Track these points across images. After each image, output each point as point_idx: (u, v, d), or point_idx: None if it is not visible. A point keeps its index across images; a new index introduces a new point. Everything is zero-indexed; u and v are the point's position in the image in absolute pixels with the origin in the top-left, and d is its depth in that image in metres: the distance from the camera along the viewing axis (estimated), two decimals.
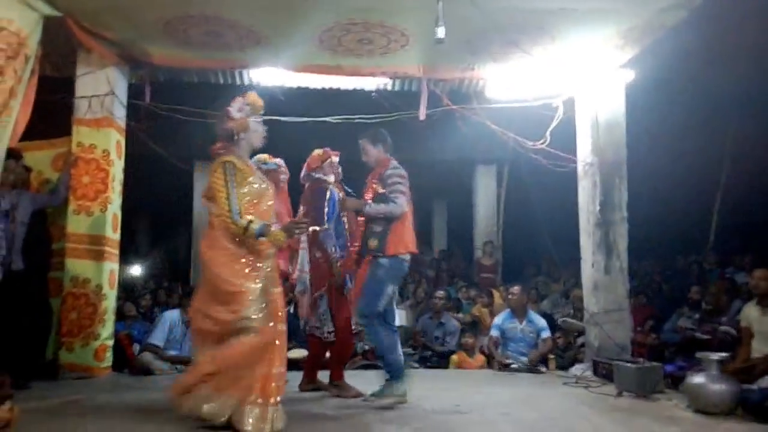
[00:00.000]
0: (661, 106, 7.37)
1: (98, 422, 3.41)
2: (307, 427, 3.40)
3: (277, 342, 3.23)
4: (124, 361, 5.51)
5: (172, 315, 5.72)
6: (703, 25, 5.04)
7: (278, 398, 3.17)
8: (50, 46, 4.57)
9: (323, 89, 6.18)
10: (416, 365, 6.22)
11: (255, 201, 3.31)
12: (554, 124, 5.81)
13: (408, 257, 4.03)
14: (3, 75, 3.63)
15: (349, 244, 4.31)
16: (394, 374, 3.93)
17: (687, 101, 7.43)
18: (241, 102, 3.41)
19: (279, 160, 4.63)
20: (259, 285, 3.21)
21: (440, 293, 6.90)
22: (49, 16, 4.33)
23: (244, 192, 3.26)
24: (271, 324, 3.21)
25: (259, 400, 3.09)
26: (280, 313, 3.30)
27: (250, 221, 3.17)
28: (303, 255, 4.39)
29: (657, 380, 4.42)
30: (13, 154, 4.56)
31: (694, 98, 7.33)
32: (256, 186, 3.33)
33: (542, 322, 6.04)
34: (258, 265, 3.25)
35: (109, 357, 5.15)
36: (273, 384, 3.16)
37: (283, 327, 3.30)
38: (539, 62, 5.40)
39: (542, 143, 5.77)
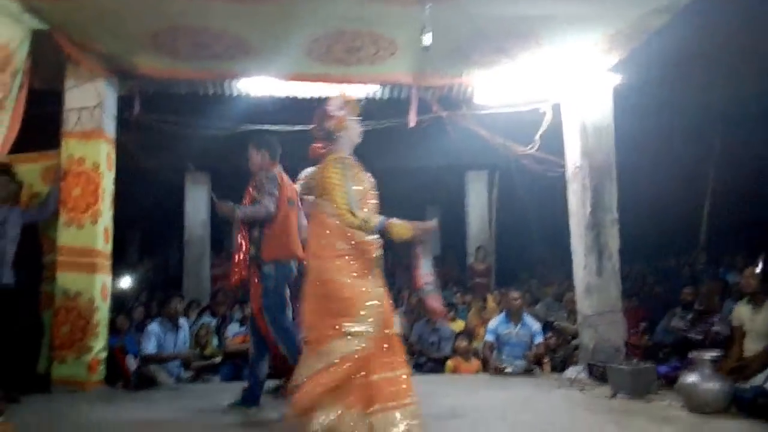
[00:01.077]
0: (650, 109, 7.44)
1: None
2: None
3: (389, 346, 3.04)
4: (118, 374, 5.46)
5: (154, 327, 5.74)
6: (691, 28, 5.10)
7: (401, 401, 2.93)
8: (39, 59, 4.55)
9: (312, 98, 6.20)
10: (411, 371, 6.21)
11: (363, 199, 3.15)
12: (543, 128, 5.86)
13: (292, 262, 3.96)
14: None
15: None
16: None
17: (676, 103, 7.51)
18: (339, 101, 3.30)
19: None
20: (375, 289, 3.06)
21: None
22: (36, 29, 4.33)
23: (359, 189, 3.11)
24: (387, 330, 3.03)
25: (379, 406, 2.88)
26: (391, 318, 3.11)
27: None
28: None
29: (651, 381, 4.45)
30: (3, 168, 4.55)
31: (683, 100, 7.41)
32: (365, 185, 3.20)
33: (536, 325, 6.06)
34: (371, 268, 3.10)
35: (102, 370, 5.11)
36: (392, 388, 2.94)
37: (395, 330, 3.13)
38: (527, 68, 5.44)
39: (531, 148, 5.81)
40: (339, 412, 2.82)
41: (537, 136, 5.84)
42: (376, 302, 3.00)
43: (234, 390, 4.96)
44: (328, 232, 3.06)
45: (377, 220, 3.04)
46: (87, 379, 4.93)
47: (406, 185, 10.68)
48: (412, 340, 6.72)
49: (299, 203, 4.19)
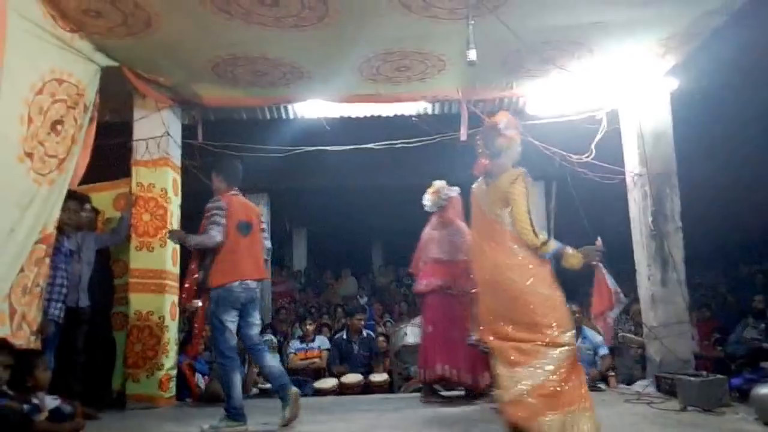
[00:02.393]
0: (714, 113, 7.19)
1: None
2: None
3: None
4: (187, 390, 5.69)
5: None
6: (750, 29, 4.93)
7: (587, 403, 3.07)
8: (108, 93, 4.86)
9: (365, 117, 6.33)
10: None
11: None
12: (599, 137, 5.76)
13: (237, 285, 4.00)
14: (64, 124, 3.89)
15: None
16: (232, 414, 3.96)
17: (742, 106, 7.22)
18: (508, 119, 3.50)
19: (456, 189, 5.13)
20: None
21: None
22: (106, 66, 4.64)
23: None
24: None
25: (578, 409, 3.02)
26: None
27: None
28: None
29: (722, 393, 4.25)
30: (80, 197, 4.87)
31: (748, 103, 7.11)
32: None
33: (598, 338, 5.89)
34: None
35: (172, 387, 5.34)
36: (584, 390, 3.10)
37: None
38: (579, 76, 5.37)
39: (588, 157, 5.71)
40: (555, 416, 2.95)
41: (592, 145, 5.73)
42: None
43: None
44: (515, 246, 3.20)
45: (554, 245, 3.19)
46: (159, 396, 5.16)
47: (461, 199, 10.65)
48: None
49: (260, 225, 4.25)
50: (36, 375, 3.14)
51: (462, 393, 5.15)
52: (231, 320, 4.02)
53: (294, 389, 4.06)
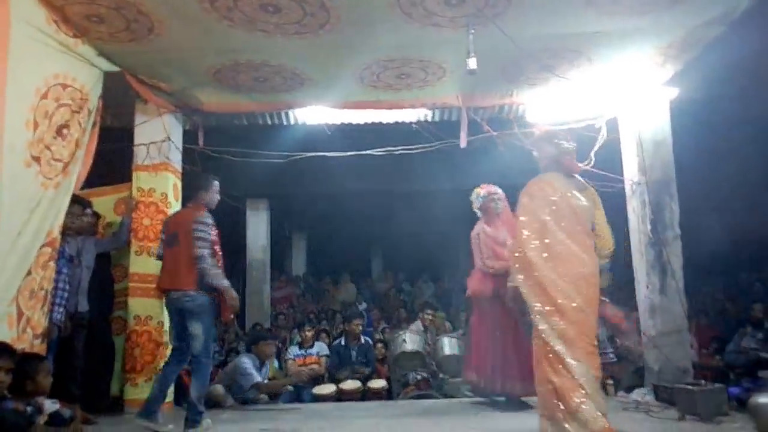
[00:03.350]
0: (714, 121, 7.21)
1: None
2: None
3: None
4: (185, 395, 5.67)
5: (248, 361, 5.84)
6: (749, 38, 4.94)
7: None
8: (110, 98, 4.88)
9: (366, 124, 6.35)
10: (469, 394, 6.16)
11: None
12: (598, 145, 5.78)
13: (168, 294, 4.28)
14: (69, 128, 3.91)
15: None
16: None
17: (742, 114, 7.24)
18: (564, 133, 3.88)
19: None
20: None
21: None
22: (108, 71, 4.66)
23: None
24: None
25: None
26: None
27: None
28: None
29: (721, 403, 4.26)
30: (82, 201, 4.88)
31: (747, 112, 7.14)
32: None
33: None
34: None
35: (170, 392, 5.32)
36: None
37: None
38: (579, 84, 5.40)
39: (587, 164, 5.73)
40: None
41: (592, 153, 5.75)
42: None
43: (295, 411, 5.09)
44: (589, 257, 3.53)
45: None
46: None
47: (458, 206, 10.66)
48: None
49: (187, 235, 4.19)
50: (38, 380, 3.14)
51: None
52: (170, 328, 4.37)
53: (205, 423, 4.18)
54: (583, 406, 3.21)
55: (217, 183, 4.51)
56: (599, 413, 3.22)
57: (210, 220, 4.26)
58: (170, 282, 4.23)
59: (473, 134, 6.00)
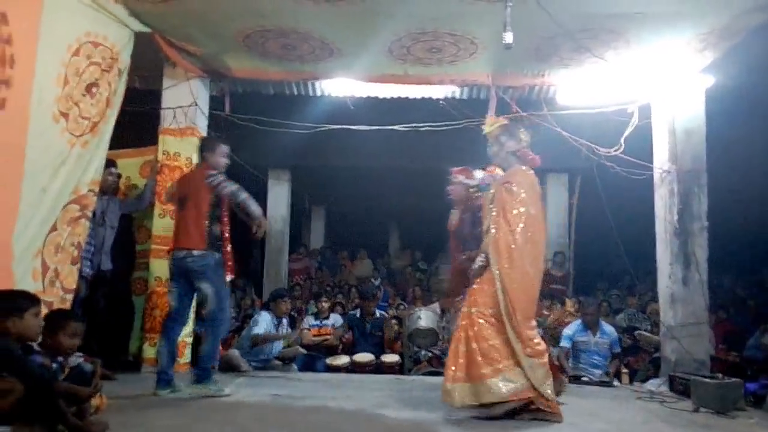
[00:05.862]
0: (747, 113, 7.03)
1: (172, 415, 3.62)
2: None
3: None
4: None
5: (266, 315, 6.08)
6: None
7: None
8: (139, 60, 4.88)
9: (392, 98, 6.29)
10: None
11: None
12: (629, 130, 5.66)
13: (169, 257, 4.29)
14: (99, 87, 3.93)
15: None
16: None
17: None
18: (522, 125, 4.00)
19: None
20: None
21: None
22: (139, 32, 4.66)
23: None
24: None
25: None
26: None
27: None
28: None
29: (737, 397, 4.20)
30: (107, 161, 4.92)
31: None
32: None
33: (615, 334, 5.88)
34: None
35: (187, 353, 5.41)
36: None
37: None
38: (613, 67, 5.27)
39: (616, 150, 5.63)
40: None
41: (622, 139, 5.64)
42: None
43: (308, 379, 5.14)
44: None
45: None
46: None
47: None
48: None
49: (196, 197, 4.25)
50: (67, 335, 3.18)
51: None
52: (172, 288, 4.31)
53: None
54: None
55: (224, 147, 4.46)
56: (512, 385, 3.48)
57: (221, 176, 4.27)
58: (177, 242, 4.25)
59: (500, 114, 5.91)
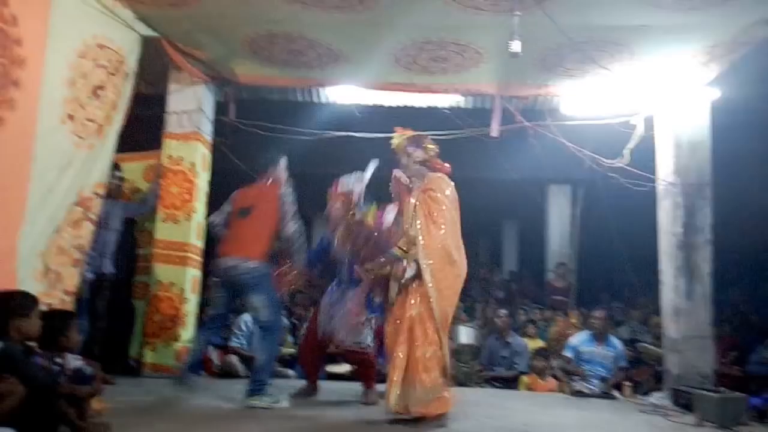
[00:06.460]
0: (752, 126, 7.02)
1: (171, 421, 3.60)
2: None
3: None
4: (201, 363, 5.74)
5: (246, 317, 5.96)
6: None
7: None
8: (145, 64, 4.89)
9: (397, 107, 6.30)
10: (483, 384, 6.15)
11: None
12: (633, 142, 5.66)
13: (217, 263, 4.25)
14: (105, 90, 3.93)
15: None
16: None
17: None
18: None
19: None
20: None
21: (502, 312, 6.76)
22: (146, 36, 4.67)
23: None
24: None
25: None
26: None
27: None
28: None
29: (740, 412, 4.18)
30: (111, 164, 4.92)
31: None
32: None
33: (622, 348, 5.87)
34: None
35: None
36: None
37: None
38: (618, 79, 5.28)
39: (620, 161, 5.62)
40: None
41: (626, 150, 5.63)
42: None
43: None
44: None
45: None
46: (174, 367, 5.19)
47: (483, 197, 10.55)
48: (484, 354, 6.64)
49: (262, 209, 4.27)
50: (69, 336, 3.17)
51: None
52: (218, 293, 4.32)
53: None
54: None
55: (284, 160, 4.55)
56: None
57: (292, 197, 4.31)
58: (232, 249, 4.18)
59: (504, 124, 5.92)
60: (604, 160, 5.72)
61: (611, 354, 5.78)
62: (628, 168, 5.58)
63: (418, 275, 3.67)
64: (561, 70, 5.33)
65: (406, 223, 3.88)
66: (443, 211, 3.72)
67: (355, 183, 4.35)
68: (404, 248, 3.79)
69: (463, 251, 3.81)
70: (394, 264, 3.84)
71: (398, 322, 3.71)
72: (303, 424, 3.72)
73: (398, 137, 4.08)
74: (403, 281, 3.76)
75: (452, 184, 3.87)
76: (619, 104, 5.75)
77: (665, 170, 5.54)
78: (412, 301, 3.67)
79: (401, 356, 3.59)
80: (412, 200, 3.85)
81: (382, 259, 3.93)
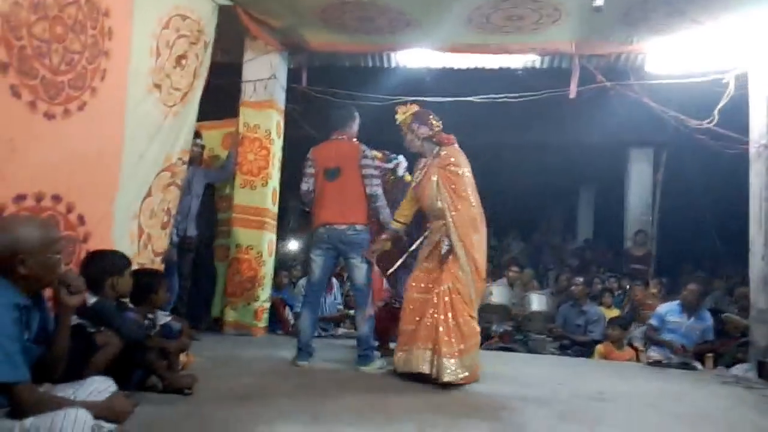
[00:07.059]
0: None
1: (255, 376, 3.79)
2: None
3: None
4: (278, 322, 6.00)
5: (303, 281, 6.12)
6: None
7: None
8: (221, 33, 5.00)
9: (467, 69, 6.16)
10: (556, 352, 6.08)
11: None
12: (723, 101, 5.31)
13: (322, 229, 4.18)
14: (187, 59, 4.06)
15: None
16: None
17: None
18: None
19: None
20: None
21: (579, 280, 6.66)
22: (222, 5, 4.77)
23: None
24: None
25: None
26: None
27: None
28: None
29: None
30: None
31: None
32: None
33: (710, 321, 5.65)
34: None
35: (265, 318, 5.64)
36: None
37: None
38: (709, 33, 4.92)
39: (709, 123, 5.30)
40: None
41: (716, 111, 5.29)
42: None
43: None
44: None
45: None
46: (253, 325, 5.48)
47: (559, 162, 10.25)
48: (558, 322, 6.57)
49: (354, 170, 4.20)
50: (158, 294, 3.39)
51: None
52: (316, 257, 4.25)
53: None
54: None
55: (357, 115, 4.49)
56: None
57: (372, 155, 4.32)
58: (334, 215, 4.15)
59: (583, 85, 5.68)
60: (692, 120, 5.40)
61: (699, 327, 5.58)
62: (717, 129, 5.25)
63: (451, 250, 3.80)
64: (646, 26, 5.01)
65: (427, 198, 3.95)
66: (466, 184, 3.87)
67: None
68: (402, 220, 4.10)
69: (483, 216, 3.96)
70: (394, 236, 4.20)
71: (429, 291, 3.83)
72: (391, 381, 3.82)
73: (402, 113, 4.08)
74: (442, 254, 3.86)
75: (464, 155, 3.99)
76: (710, 61, 5.38)
77: (758, 131, 5.17)
78: (446, 274, 3.79)
79: (433, 324, 3.70)
80: (433, 177, 3.91)
81: (384, 236, 4.18)
